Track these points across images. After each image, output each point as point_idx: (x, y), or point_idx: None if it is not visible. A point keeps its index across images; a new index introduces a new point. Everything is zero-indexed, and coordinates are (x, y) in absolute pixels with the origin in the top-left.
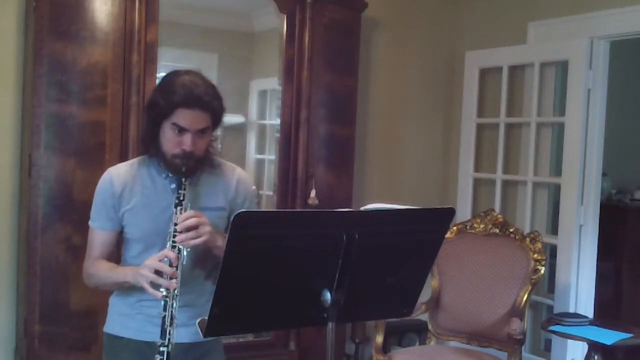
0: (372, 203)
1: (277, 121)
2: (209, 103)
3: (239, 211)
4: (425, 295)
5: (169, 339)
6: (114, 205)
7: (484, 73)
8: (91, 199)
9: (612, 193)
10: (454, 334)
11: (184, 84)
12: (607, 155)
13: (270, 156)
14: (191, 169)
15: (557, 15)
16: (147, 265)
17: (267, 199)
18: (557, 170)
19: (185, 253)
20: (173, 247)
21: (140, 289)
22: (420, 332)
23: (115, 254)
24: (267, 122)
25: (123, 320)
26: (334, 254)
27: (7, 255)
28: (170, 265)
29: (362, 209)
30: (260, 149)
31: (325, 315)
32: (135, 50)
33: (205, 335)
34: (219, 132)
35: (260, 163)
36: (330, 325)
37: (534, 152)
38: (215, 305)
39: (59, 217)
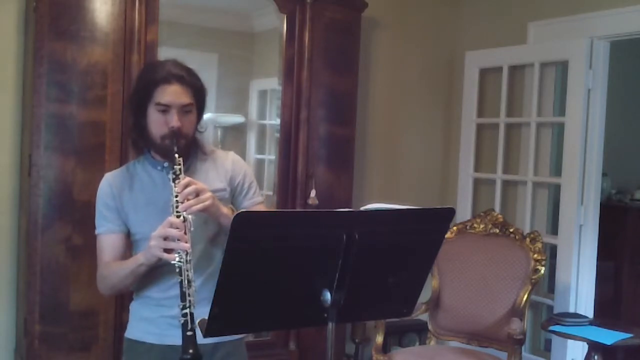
0: (372, 203)
1: (277, 121)
2: (187, 78)
3: (239, 211)
4: (425, 295)
5: (189, 301)
6: (117, 206)
7: (484, 73)
8: (91, 199)
9: (612, 193)
10: (454, 334)
11: (160, 65)
12: (607, 155)
13: (270, 156)
14: (182, 149)
15: (557, 15)
16: (154, 236)
17: (267, 199)
18: (557, 170)
19: (191, 219)
20: (178, 216)
21: (159, 288)
22: (420, 332)
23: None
24: (267, 122)
25: (144, 325)
26: (334, 254)
27: (7, 255)
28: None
29: (362, 209)
30: (260, 149)
31: (325, 315)
32: (135, 50)
33: (205, 336)
34: (219, 132)
35: (260, 163)
36: (330, 325)
37: (534, 152)
38: (215, 305)
39: (59, 217)
